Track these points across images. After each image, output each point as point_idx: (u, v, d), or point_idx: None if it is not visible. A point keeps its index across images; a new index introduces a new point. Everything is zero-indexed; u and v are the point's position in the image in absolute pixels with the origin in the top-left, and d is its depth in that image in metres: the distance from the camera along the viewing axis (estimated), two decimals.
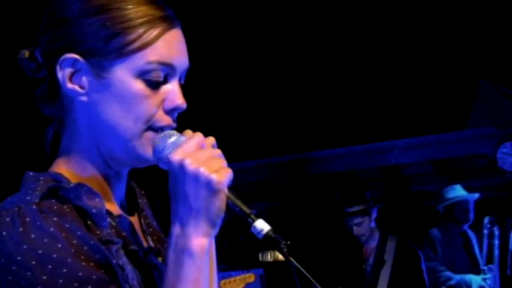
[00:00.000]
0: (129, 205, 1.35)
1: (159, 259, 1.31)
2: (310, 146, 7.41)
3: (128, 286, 1.15)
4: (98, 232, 1.16)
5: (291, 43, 7.56)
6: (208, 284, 1.17)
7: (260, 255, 8.11)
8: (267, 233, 1.18)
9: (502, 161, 6.25)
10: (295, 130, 7.86)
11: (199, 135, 1.20)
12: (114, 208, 1.27)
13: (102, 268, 1.12)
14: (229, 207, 1.18)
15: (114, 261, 1.14)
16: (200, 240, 1.16)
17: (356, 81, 7.79)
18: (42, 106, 1.29)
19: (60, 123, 1.29)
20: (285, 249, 1.19)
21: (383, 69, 7.67)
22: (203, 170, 1.14)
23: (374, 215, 5.11)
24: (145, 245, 1.31)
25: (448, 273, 5.55)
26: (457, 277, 5.52)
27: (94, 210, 1.16)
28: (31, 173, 1.22)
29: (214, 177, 1.14)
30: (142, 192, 1.42)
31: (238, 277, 4.75)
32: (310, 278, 1.47)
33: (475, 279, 5.49)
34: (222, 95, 7.59)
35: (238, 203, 1.19)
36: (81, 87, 1.22)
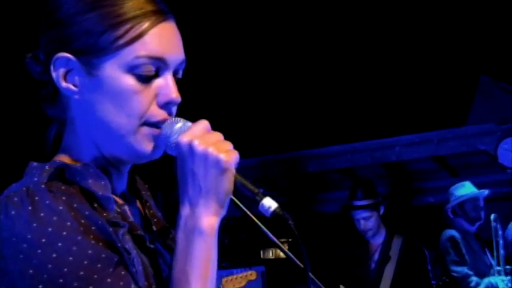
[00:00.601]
0: (132, 196, 1.36)
1: (164, 247, 1.32)
2: (311, 143, 7.41)
3: (134, 270, 1.15)
4: (104, 214, 1.16)
5: (292, 40, 7.56)
6: (217, 262, 1.20)
7: (261, 252, 8.11)
8: (274, 210, 1.21)
9: (503, 157, 6.24)
10: (295, 127, 7.85)
11: (205, 121, 1.22)
12: (117, 199, 1.27)
13: (109, 249, 1.13)
14: (237, 187, 1.20)
15: (119, 245, 1.14)
16: (210, 220, 1.18)
17: (357, 78, 7.79)
18: (46, 107, 1.30)
19: (61, 123, 1.29)
20: (292, 226, 1.21)
21: (383, 66, 7.67)
22: (212, 150, 1.17)
23: (381, 212, 5.08)
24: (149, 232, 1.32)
25: (476, 279, 5.33)
26: (485, 281, 5.26)
27: (100, 193, 1.17)
28: (35, 163, 1.23)
29: (222, 156, 1.17)
30: (146, 186, 1.43)
31: (240, 275, 4.75)
32: (310, 274, 1.47)
33: (499, 281, 5.31)
34: (222, 92, 7.58)
35: (246, 182, 1.21)
36: (75, 85, 1.23)
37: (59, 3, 1.24)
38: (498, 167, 6.29)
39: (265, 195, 1.22)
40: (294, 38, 7.53)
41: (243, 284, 4.70)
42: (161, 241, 1.32)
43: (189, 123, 1.23)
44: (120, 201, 1.27)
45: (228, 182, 1.18)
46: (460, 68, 7.34)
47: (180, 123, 1.23)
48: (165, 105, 1.24)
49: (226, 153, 1.18)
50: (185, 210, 1.19)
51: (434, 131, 6.75)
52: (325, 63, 7.69)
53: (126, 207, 1.27)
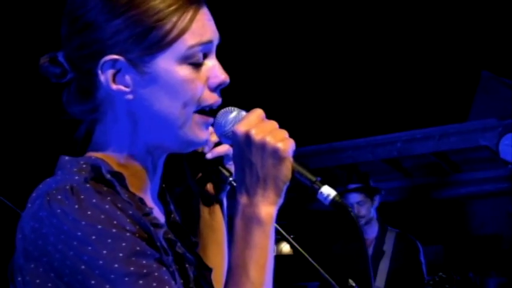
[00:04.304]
0: (160, 200, 1.36)
1: (188, 251, 1.32)
2: (312, 139, 7.41)
3: (171, 269, 1.17)
4: (143, 216, 1.17)
5: (295, 38, 7.55)
6: (274, 250, 1.21)
7: None
8: (333, 198, 1.21)
9: (505, 152, 6.23)
10: (296, 124, 7.84)
11: (260, 110, 1.24)
12: (148, 200, 1.27)
13: (152, 247, 1.14)
14: (295, 175, 1.22)
15: (158, 244, 1.16)
16: (268, 209, 1.20)
17: (358, 74, 7.78)
18: (72, 109, 1.28)
19: (92, 122, 1.28)
20: (352, 214, 1.22)
21: (385, 62, 7.66)
22: (269, 139, 1.19)
23: (376, 203, 5.11)
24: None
25: None
26: None
27: (138, 197, 1.20)
28: (67, 157, 1.23)
29: (280, 145, 1.19)
30: (163, 185, 1.43)
31: None
32: (319, 268, 1.48)
33: None
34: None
35: (303, 171, 1.22)
36: (126, 86, 1.22)
37: (87, 6, 1.21)
38: (500, 163, 6.29)
39: (323, 183, 1.22)
40: (297, 35, 7.53)
41: None
42: (184, 246, 1.32)
43: (243, 112, 1.26)
44: (149, 204, 1.26)
45: (285, 171, 1.20)
46: (462, 64, 7.34)
47: (234, 113, 1.26)
48: (216, 88, 1.26)
49: (283, 142, 1.20)
50: (243, 199, 1.20)
51: (436, 127, 6.75)
52: (327, 60, 7.68)
53: (156, 211, 1.27)
